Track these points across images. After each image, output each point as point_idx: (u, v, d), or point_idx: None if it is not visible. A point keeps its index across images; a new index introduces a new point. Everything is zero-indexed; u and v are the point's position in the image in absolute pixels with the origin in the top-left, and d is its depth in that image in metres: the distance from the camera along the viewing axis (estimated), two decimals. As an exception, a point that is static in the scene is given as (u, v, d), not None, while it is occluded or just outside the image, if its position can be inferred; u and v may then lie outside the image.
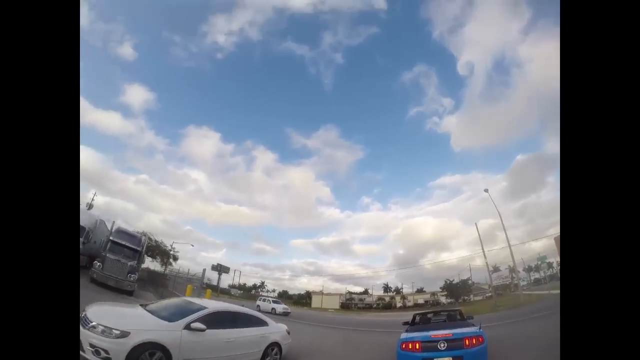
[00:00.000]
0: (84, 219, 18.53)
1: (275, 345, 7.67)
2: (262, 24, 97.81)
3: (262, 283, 72.72)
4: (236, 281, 67.91)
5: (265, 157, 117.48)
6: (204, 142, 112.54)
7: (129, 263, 17.72)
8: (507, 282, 39.22)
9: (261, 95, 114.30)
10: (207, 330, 5.82)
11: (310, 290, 66.17)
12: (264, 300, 33.44)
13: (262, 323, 7.71)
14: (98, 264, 16.57)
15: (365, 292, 63.98)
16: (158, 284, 26.23)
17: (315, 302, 59.61)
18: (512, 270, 34.60)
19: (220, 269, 44.12)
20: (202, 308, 6.31)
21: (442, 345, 6.10)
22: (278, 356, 7.78)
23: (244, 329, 6.99)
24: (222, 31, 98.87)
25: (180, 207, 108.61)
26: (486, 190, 32.35)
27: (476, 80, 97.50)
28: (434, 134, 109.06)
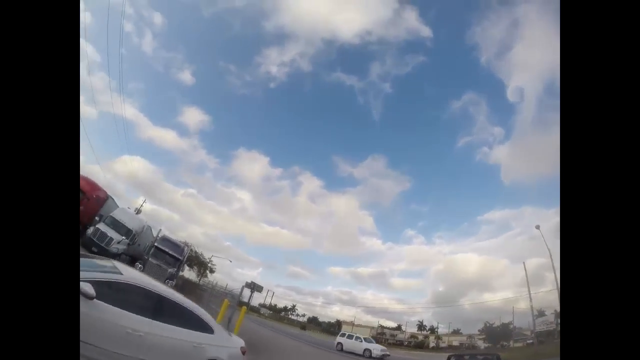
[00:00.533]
0: (132, 223, 20.10)
1: None
2: (312, 55, 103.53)
3: (294, 306, 71.98)
4: (268, 301, 67.79)
5: (311, 183, 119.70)
6: (253, 164, 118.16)
7: (169, 270, 18.64)
8: (552, 329, 35.28)
9: (310, 123, 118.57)
10: (98, 303, 3.78)
11: (342, 319, 63.89)
12: (350, 337, 24.79)
13: (204, 327, 5.27)
14: (139, 265, 17.65)
15: (399, 327, 60.35)
16: (191, 293, 27.02)
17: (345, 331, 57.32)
18: (558, 316, 31.26)
19: (254, 287, 44.25)
20: (115, 272, 4.40)
21: None
22: None
23: (170, 326, 4.62)
24: (274, 62, 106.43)
25: (223, 223, 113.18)
26: (537, 227, 29.86)
27: (527, 107, 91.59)
28: (483, 166, 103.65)
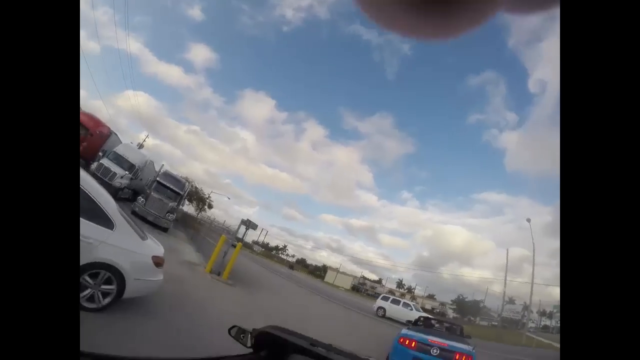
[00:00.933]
0: (135, 158, 20.60)
1: (109, 270, 3.92)
2: (331, 3, 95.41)
3: (285, 246, 76.13)
4: (261, 239, 71.49)
5: (315, 131, 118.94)
6: (259, 106, 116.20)
7: (170, 204, 19.48)
8: (517, 318, 37.96)
9: (321, 71, 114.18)
10: None
11: (328, 265, 68.07)
12: (396, 302, 20.46)
13: (102, 219, 3.90)
14: (142, 199, 18.50)
15: (379, 281, 64.64)
16: (189, 227, 28.59)
17: (329, 277, 61.55)
18: (526, 308, 33.34)
19: (249, 224, 45.98)
20: None
21: (434, 351, 6.38)
22: (112, 294, 3.99)
23: None
24: (290, 6, 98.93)
25: (224, 161, 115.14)
26: (528, 220, 30.75)
27: (546, 101, 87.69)
28: (489, 147, 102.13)
